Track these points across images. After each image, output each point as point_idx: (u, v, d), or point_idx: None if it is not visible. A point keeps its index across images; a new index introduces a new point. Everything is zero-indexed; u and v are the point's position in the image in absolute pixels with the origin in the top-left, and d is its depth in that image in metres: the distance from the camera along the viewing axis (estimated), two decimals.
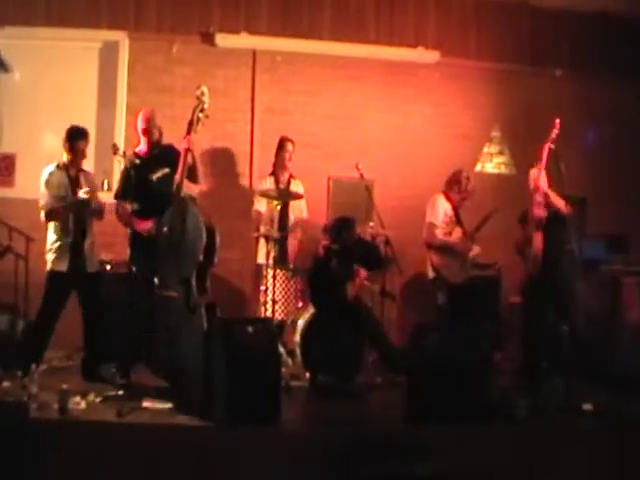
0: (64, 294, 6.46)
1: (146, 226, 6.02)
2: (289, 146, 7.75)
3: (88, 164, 6.93)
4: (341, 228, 6.96)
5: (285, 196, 7.48)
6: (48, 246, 6.46)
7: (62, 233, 6.41)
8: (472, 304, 7.16)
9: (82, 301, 6.49)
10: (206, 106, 6.07)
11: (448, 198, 7.36)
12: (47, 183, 6.42)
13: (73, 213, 6.39)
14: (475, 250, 7.31)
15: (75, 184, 6.44)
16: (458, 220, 7.36)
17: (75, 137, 6.44)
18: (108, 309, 6.60)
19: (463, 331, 5.85)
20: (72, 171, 6.48)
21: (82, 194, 6.32)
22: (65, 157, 6.47)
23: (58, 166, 6.48)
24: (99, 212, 6.57)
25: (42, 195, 6.42)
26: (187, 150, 5.98)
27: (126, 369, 6.09)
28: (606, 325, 7.27)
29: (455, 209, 7.36)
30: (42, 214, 6.42)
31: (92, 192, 6.46)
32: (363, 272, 6.97)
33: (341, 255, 6.87)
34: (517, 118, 8.60)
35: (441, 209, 7.28)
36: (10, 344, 6.71)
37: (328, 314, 6.71)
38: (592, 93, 8.72)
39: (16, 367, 6.21)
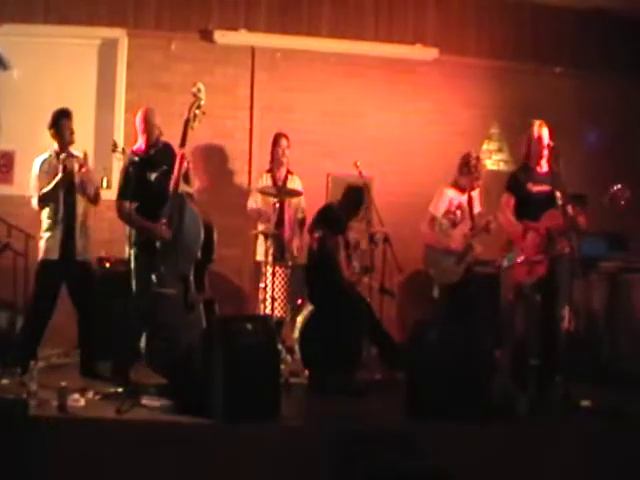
0: (56, 283, 6.45)
1: (163, 231, 6.00)
2: (283, 142, 7.71)
3: (88, 161, 6.93)
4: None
5: (284, 194, 7.48)
6: (41, 234, 6.46)
7: (54, 221, 6.40)
8: (468, 301, 7.15)
9: (71, 293, 6.49)
10: (202, 103, 6.07)
11: (458, 187, 7.34)
12: (37, 174, 6.42)
13: (62, 191, 6.36)
14: (476, 249, 7.29)
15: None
16: (470, 212, 7.33)
17: (58, 118, 6.44)
18: (107, 307, 6.61)
19: (463, 327, 5.85)
20: (63, 155, 6.45)
21: (60, 171, 6.31)
22: (56, 145, 6.47)
23: (50, 155, 6.49)
24: (91, 193, 6.50)
25: (32, 185, 6.41)
26: (182, 161, 5.98)
27: (125, 367, 6.09)
28: (606, 322, 7.27)
29: (469, 199, 7.32)
30: (34, 202, 6.40)
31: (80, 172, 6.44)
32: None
33: (331, 234, 6.89)
34: (516, 115, 8.55)
35: (445, 199, 7.26)
36: (9, 341, 6.72)
37: (327, 309, 6.71)
38: (591, 90, 8.72)
39: (15, 364, 6.22)
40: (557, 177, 6.31)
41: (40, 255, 6.46)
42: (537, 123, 6.46)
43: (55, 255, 6.39)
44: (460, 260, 7.20)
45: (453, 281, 7.20)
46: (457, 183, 7.34)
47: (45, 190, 6.35)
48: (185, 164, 6.05)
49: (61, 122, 6.44)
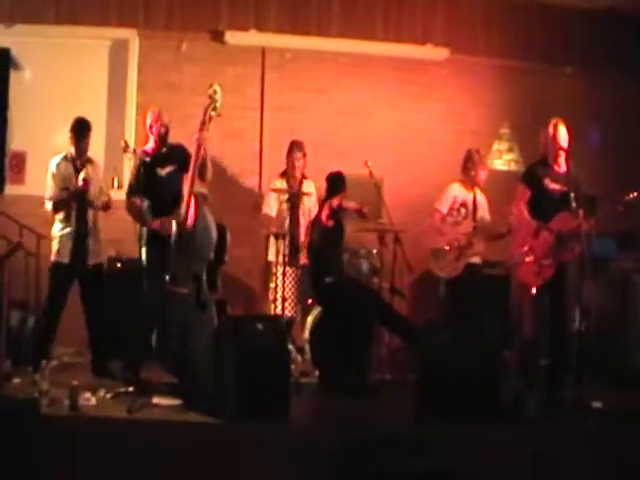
0: (67, 285, 6.55)
1: (166, 228, 6.02)
2: (297, 153, 7.58)
3: (98, 161, 6.97)
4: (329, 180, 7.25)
5: (297, 196, 7.47)
6: (53, 234, 6.58)
7: (65, 224, 6.53)
8: (472, 300, 7.15)
9: (83, 294, 6.58)
10: (218, 104, 6.06)
11: (464, 184, 7.39)
12: (53, 174, 6.55)
13: (75, 203, 6.48)
14: (476, 247, 7.30)
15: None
16: (474, 211, 7.36)
17: (78, 131, 6.56)
18: (118, 306, 6.64)
19: (472, 328, 5.84)
20: (78, 162, 6.58)
21: (80, 181, 6.42)
22: (72, 149, 6.58)
23: (65, 157, 6.60)
24: (100, 205, 6.64)
25: (48, 187, 6.56)
26: (199, 146, 5.97)
27: (136, 366, 6.11)
28: (616, 323, 7.25)
29: (474, 198, 7.37)
30: (49, 205, 6.53)
31: (94, 182, 6.55)
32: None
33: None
34: (526, 115, 8.57)
35: (450, 196, 7.32)
36: (21, 340, 6.76)
37: (334, 310, 6.72)
38: (602, 91, 8.70)
39: (27, 363, 6.26)
40: (574, 178, 6.20)
41: (52, 257, 6.57)
42: (553, 122, 6.30)
43: (66, 259, 6.51)
44: (460, 255, 7.22)
45: (452, 275, 7.24)
46: (463, 180, 7.41)
47: (58, 199, 6.48)
48: (202, 151, 6.01)
49: (79, 134, 6.55)
